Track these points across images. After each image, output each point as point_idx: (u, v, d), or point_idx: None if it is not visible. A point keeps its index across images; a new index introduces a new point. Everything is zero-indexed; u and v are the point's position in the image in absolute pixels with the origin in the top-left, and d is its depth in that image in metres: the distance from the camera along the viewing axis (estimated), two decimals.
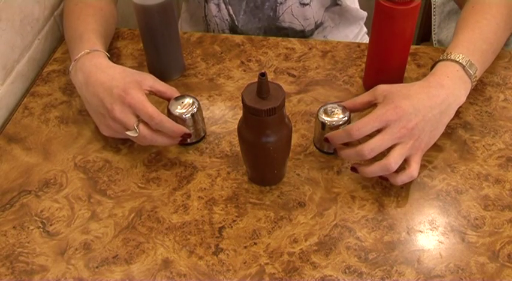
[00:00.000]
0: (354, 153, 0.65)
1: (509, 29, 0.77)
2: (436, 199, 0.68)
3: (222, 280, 0.61)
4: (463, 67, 0.69)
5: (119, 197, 0.70)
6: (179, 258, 0.63)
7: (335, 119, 0.69)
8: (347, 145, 0.68)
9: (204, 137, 0.76)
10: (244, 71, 0.87)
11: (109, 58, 0.75)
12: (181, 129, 0.70)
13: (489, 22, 0.74)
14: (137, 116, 0.69)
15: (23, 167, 0.74)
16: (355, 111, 0.71)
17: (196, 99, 0.73)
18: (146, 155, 0.75)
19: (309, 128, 0.77)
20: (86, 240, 0.65)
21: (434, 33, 1.18)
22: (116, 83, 0.69)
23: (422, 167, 0.71)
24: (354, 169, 0.68)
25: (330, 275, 0.61)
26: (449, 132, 0.76)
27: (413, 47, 0.87)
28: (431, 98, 0.66)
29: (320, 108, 0.71)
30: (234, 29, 0.99)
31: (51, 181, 0.72)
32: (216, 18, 0.98)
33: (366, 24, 1.11)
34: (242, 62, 0.88)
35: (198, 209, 0.68)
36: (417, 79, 0.83)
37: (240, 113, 0.79)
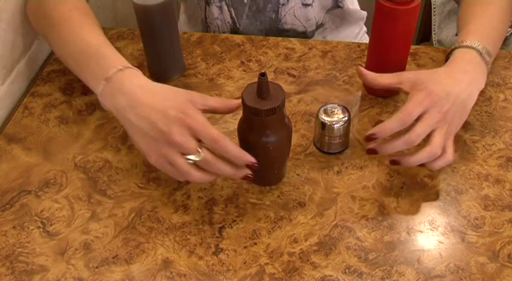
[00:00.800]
0: (403, 142, 0.65)
1: (510, 18, 0.80)
2: (436, 199, 0.68)
3: (222, 280, 0.61)
4: (480, 54, 0.71)
5: (119, 197, 0.70)
6: (179, 258, 0.63)
7: (335, 119, 0.69)
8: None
9: None
10: (244, 71, 0.87)
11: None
12: (246, 155, 0.62)
13: (494, 12, 0.77)
14: (197, 140, 0.62)
15: (23, 167, 0.74)
16: (372, 85, 0.72)
17: None
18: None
19: (309, 128, 0.77)
20: (86, 240, 0.65)
21: (434, 33, 1.18)
22: (170, 104, 0.62)
23: (423, 167, 0.71)
24: (394, 162, 0.67)
25: (330, 275, 0.61)
26: None
27: (413, 47, 0.87)
28: (457, 83, 0.68)
29: (320, 108, 0.71)
30: (235, 31, 0.99)
31: (51, 181, 0.72)
32: (218, 21, 0.98)
33: (366, 24, 1.11)
34: (242, 62, 0.88)
35: (198, 209, 0.68)
36: None
37: (240, 113, 0.79)
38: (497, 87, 0.82)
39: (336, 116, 0.70)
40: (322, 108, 0.71)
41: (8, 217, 0.68)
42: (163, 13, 0.77)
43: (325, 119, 0.70)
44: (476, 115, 0.78)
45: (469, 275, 0.61)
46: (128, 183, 0.71)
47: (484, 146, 0.74)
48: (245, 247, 0.64)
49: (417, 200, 0.68)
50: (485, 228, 0.65)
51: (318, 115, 0.70)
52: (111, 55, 0.70)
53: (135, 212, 0.68)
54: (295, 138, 0.76)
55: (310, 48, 0.90)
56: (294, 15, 0.96)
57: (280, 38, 0.92)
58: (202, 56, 0.90)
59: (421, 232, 0.65)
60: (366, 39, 1.11)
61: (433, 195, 0.69)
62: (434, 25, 1.18)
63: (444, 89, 0.66)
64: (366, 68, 0.81)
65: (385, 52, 0.76)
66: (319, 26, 1.00)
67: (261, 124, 0.61)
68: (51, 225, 0.67)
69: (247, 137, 0.63)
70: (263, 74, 0.57)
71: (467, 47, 0.71)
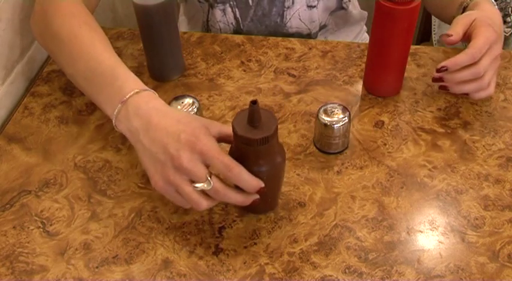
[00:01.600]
0: (470, 73, 0.73)
1: None
2: (436, 199, 0.68)
3: (222, 280, 0.61)
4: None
5: (119, 197, 0.70)
6: (179, 258, 0.63)
7: (335, 119, 0.69)
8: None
9: None
10: (244, 71, 0.87)
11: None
12: (259, 183, 0.59)
13: None
14: (207, 167, 0.59)
15: (23, 167, 0.74)
16: (454, 43, 0.75)
17: (197, 99, 0.73)
18: None
19: (309, 128, 0.77)
20: (86, 240, 0.65)
21: (434, 33, 1.18)
22: (183, 128, 0.59)
23: (423, 167, 0.71)
24: (436, 80, 0.75)
25: (330, 275, 0.61)
26: (449, 132, 0.76)
27: (413, 47, 0.87)
28: (498, 19, 0.78)
29: (320, 108, 0.71)
30: (238, 33, 0.99)
31: (51, 181, 0.72)
32: (220, 23, 0.98)
33: (366, 24, 1.11)
34: (242, 62, 0.88)
35: None
36: (417, 79, 0.83)
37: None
38: (497, 87, 0.82)
39: (336, 116, 0.70)
40: (322, 108, 0.71)
41: (8, 217, 0.68)
42: (163, 13, 0.77)
43: (325, 119, 0.69)
44: (476, 115, 0.78)
45: (469, 275, 0.61)
46: (127, 183, 0.71)
47: (484, 146, 0.74)
48: (245, 247, 0.64)
49: (417, 200, 0.68)
50: (485, 228, 0.65)
51: (318, 115, 0.70)
52: (127, 77, 0.67)
53: (135, 212, 0.68)
54: (295, 139, 0.76)
55: (310, 48, 0.90)
56: (299, 18, 0.96)
57: (280, 38, 0.92)
58: (202, 56, 0.90)
59: (421, 232, 0.65)
60: (366, 38, 1.11)
61: (433, 195, 0.69)
62: (434, 25, 1.18)
63: (498, 28, 0.75)
64: (366, 68, 0.82)
65: (385, 52, 0.76)
66: (322, 27, 1.00)
67: (253, 154, 0.57)
68: (51, 225, 0.67)
69: None
70: (254, 102, 0.54)
71: None
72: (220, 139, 0.62)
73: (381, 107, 0.80)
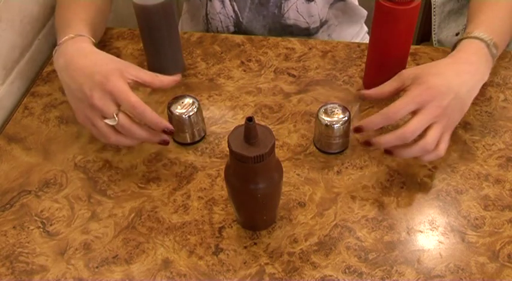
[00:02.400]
0: (395, 137, 0.64)
1: None
2: (436, 199, 0.68)
3: (222, 280, 0.61)
4: (487, 45, 0.69)
5: (119, 197, 0.70)
6: (179, 258, 0.63)
7: (335, 119, 0.69)
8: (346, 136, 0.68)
9: (204, 137, 0.76)
10: (244, 71, 0.87)
11: (94, 44, 0.74)
12: (163, 122, 0.66)
13: (504, 6, 0.75)
14: (117, 105, 0.66)
15: (23, 167, 0.74)
16: (382, 99, 0.71)
17: (197, 99, 0.73)
18: (146, 155, 0.75)
19: (309, 128, 0.77)
20: (86, 240, 0.65)
21: (434, 33, 1.18)
22: (98, 69, 0.66)
23: (423, 167, 0.71)
24: (388, 152, 0.67)
25: (330, 275, 0.61)
26: None
27: (413, 47, 0.87)
28: (460, 74, 0.66)
29: (320, 108, 0.71)
30: (238, 26, 0.99)
31: (51, 181, 0.72)
32: (220, 15, 0.98)
33: (366, 24, 1.11)
34: (242, 62, 0.88)
35: (198, 209, 0.68)
36: None
37: (240, 113, 0.80)
38: (497, 87, 0.82)
39: (336, 116, 0.70)
40: (322, 108, 0.71)
41: (8, 217, 0.68)
42: (163, 13, 0.77)
43: (325, 119, 0.69)
44: (476, 115, 0.78)
45: (469, 275, 0.61)
46: (128, 183, 0.71)
47: (484, 146, 0.74)
48: (245, 247, 0.64)
49: (417, 200, 0.68)
50: (485, 228, 0.65)
51: (318, 115, 0.70)
52: (76, 27, 0.75)
53: (135, 212, 0.68)
54: (295, 139, 0.76)
55: (310, 48, 0.90)
56: (297, 11, 0.96)
57: (280, 38, 0.92)
58: (202, 56, 0.90)
59: (421, 232, 0.65)
60: (366, 39, 1.11)
61: (433, 195, 0.69)
62: (434, 25, 1.18)
63: (446, 82, 0.65)
64: (366, 68, 0.82)
65: (385, 52, 0.76)
66: (324, 23, 1.00)
67: (249, 171, 0.56)
68: (51, 225, 0.67)
69: (234, 183, 0.59)
70: (250, 119, 0.52)
71: (475, 37, 0.70)
72: (137, 83, 0.68)
73: (380, 107, 0.79)
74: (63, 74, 0.70)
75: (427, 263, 0.62)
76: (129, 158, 0.74)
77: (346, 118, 0.69)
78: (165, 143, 0.68)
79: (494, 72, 0.84)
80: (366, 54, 0.84)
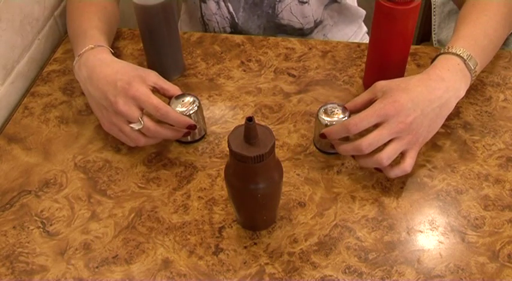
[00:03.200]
0: (352, 148, 0.65)
1: (508, 27, 0.77)
2: (436, 199, 0.68)
3: (222, 280, 0.61)
4: (464, 61, 0.69)
5: (119, 197, 0.70)
6: (179, 258, 0.63)
7: (335, 119, 0.69)
8: (347, 139, 0.68)
9: (204, 136, 0.76)
10: (244, 71, 0.87)
11: (113, 54, 0.76)
12: (186, 120, 0.69)
13: (489, 19, 0.74)
14: (141, 109, 0.68)
15: (23, 167, 0.74)
16: (358, 112, 0.71)
17: (197, 98, 0.73)
18: (146, 155, 0.75)
19: (309, 128, 0.77)
20: (86, 240, 0.65)
21: (434, 33, 1.18)
22: (120, 76, 0.69)
23: (423, 167, 0.71)
24: (353, 157, 0.69)
25: (330, 275, 0.61)
26: (449, 132, 0.76)
27: (413, 47, 0.87)
28: (430, 91, 0.65)
29: (320, 108, 0.71)
30: (234, 26, 0.99)
31: (51, 181, 0.72)
32: (216, 16, 0.98)
33: (366, 23, 1.11)
34: (242, 62, 0.88)
35: (198, 209, 0.68)
36: None
37: (240, 113, 0.80)
38: (497, 87, 0.82)
39: (336, 116, 0.69)
40: (322, 108, 0.71)
41: (8, 217, 0.68)
42: (163, 13, 0.77)
43: (325, 119, 0.69)
44: (476, 115, 0.78)
45: (469, 275, 0.61)
46: (128, 183, 0.71)
47: (484, 146, 0.74)
48: (245, 247, 0.64)
49: (417, 200, 0.68)
50: (485, 228, 0.65)
51: (318, 115, 0.70)
52: (93, 36, 0.77)
53: (135, 212, 0.68)
54: (295, 139, 0.76)
55: (310, 48, 0.90)
56: (291, 12, 0.96)
57: (280, 38, 0.92)
58: (202, 56, 0.90)
59: (421, 232, 0.65)
60: (366, 39, 1.11)
61: (433, 195, 0.69)
62: (434, 25, 1.18)
63: (412, 98, 0.64)
64: (366, 68, 0.82)
65: (385, 52, 0.76)
66: (318, 23, 1.00)
67: (249, 171, 0.56)
68: (51, 225, 0.67)
69: (233, 183, 0.59)
70: (250, 119, 0.52)
71: (451, 53, 0.69)
72: (156, 89, 0.72)
73: None
74: (87, 84, 0.72)
75: (427, 263, 0.62)
76: (129, 158, 0.74)
77: (345, 118, 0.69)
78: (192, 129, 0.71)
79: (494, 72, 0.84)
80: (366, 54, 0.84)
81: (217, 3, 0.96)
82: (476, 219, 0.66)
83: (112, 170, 0.73)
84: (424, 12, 1.29)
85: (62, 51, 0.93)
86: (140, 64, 0.88)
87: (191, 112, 0.71)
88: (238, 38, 0.93)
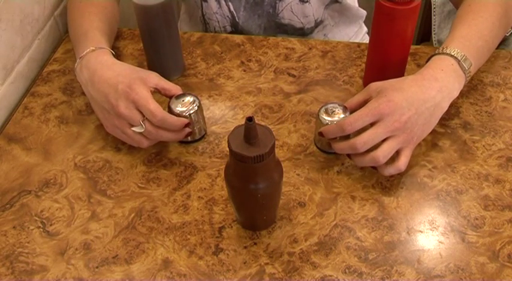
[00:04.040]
0: (347, 146, 0.66)
1: (504, 28, 0.77)
2: (436, 199, 0.68)
3: (222, 280, 0.61)
4: (458, 61, 0.69)
5: (119, 197, 0.70)
6: (179, 258, 0.63)
7: (336, 118, 0.69)
8: (347, 138, 0.68)
9: (204, 135, 0.76)
10: (244, 71, 0.87)
11: (114, 55, 0.76)
12: (182, 121, 0.69)
13: (485, 20, 0.74)
14: (142, 113, 0.68)
15: (23, 167, 0.74)
16: (351, 110, 0.71)
17: (197, 98, 0.73)
18: (146, 155, 0.75)
19: (309, 128, 0.77)
20: (86, 240, 0.65)
21: (434, 33, 1.18)
22: (122, 79, 0.69)
23: (423, 167, 0.71)
24: (348, 156, 0.69)
25: (330, 275, 0.61)
26: (449, 132, 0.76)
27: (413, 47, 0.87)
28: (424, 91, 0.66)
29: (321, 108, 0.71)
30: (235, 26, 0.99)
31: (51, 181, 0.72)
32: (217, 15, 0.98)
33: (366, 24, 1.11)
34: (242, 62, 0.88)
35: (198, 209, 0.68)
36: None
37: (240, 113, 0.80)
38: (497, 87, 0.82)
39: (337, 115, 0.69)
40: (323, 108, 0.70)
41: (8, 217, 0.68)
42: (163, 13, 0.77)
43: (326, 118, 0.69)
44: (476, 115, 0.78)
45: (469, 275, 0.61)
46: (128, 183, 0.71)
47: (484, 146, 0.74)
48: (245, 247, 0.64)
49: (417, 200, 0.68)
50: (485, 228, 0.65)
51: (318, 115, 0.70)
52: (94, 38, 0.77)
53: (135, 212, 0.68)
54: (295, 139, 0.76)
55: (310, 48, 0.90)
56: (292, 11, 0.96)
57: (280, 38, 0.92)
58: (202, 56, 0.90)
59: (421, 232, 0.65)
60: (366, 39, 1.11)
61: (433, 195, 0.69)
62: (434, 25, 1.18)
63: (406, 98, 0.65)
64: (366, 68, 0.82)
65: (385, 52, 0.76)
66: (319, 23, 1.00)
67: (249, 171, 0.56)
68: (51, 225, 0.67)
69: (233, 183, 0.59)
70: (250, 119, 0.52)
71: (445, 54, 0.70)
72: (158, 90, 0.72)
73: None
74: (89, 87, 0.72)
75: (427, 263, 0.62)
76: (129, 158, 0.74)
77: None
78: (189, 134, 0.73)
79: (494, 72, 0.84)
80: (366, 54, 0.84)
81: (218, 2, 0.96)
82: (476, 219, 0.66)
83: (112, 170, 0.73)
84: (424, 12, 1.29)
85: (62, 51, 0.92)
86: (140, 64, 0.88)
87: (191, 112, 0.71)
88: (238, 38, 0.93)
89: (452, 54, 0.69)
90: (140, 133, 0.69)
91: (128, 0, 0.79)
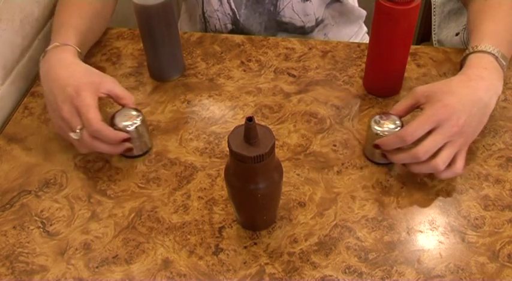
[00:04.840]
0: (409, 157, 0.65)
1: None
2: (436, 199, 0.68)
3: (222, 280, 0.61)
4: (496, 58, 0.69)
5: (119, 197, 0.70)
6: (179, 258, 0.63)
7: (386, 128, 0.68)
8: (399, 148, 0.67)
9: (149, 151, 0.75)
10: (244, 71, 0.87)
11: (80, 55, 0.75)
12: (119, 136, 0.68)
13: (507, 14, 0.74)
14: None
15: (23, 167, 0.74)
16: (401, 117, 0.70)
17: (140, 111, 0.71)
18: (146, 155, 0.74)
19: (308, 128, 0.77)
20: (86, 240, 0.65)
21: (434, 33, 1.18)
22: (72, 82, 0.68)
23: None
24: (404, 164, 0.68)
25: (330, 275, 0.61)
26: None
27: (413, 47, 0.87)
28: (474, 92, 0.66)
29: (370, 120, 0.69)
30: (236, 23, 0.99)
31: (51, 181, 0.72)
32: (218, 13, 0.98)
33: (366, 24, 1.11)
34: (242, 62, 0.88)
35: (198, 209, 0.68)
36: (417, 79, 0.83)
37: (240, 113, 0.80)
38: None
39: (386, 125, 0.68)
40: (373, 120, 0.68)
41: (8, 217, 0.68)
42: (163, 13, 0.77)
43: (378, 129, 0.68)
44: None
45: (469, 275, 0.61)
46: (128, 183, 0.71)
47: (484, 146, 0.74)
48: (245, 247, 0.64)
49: (417, 200, 0.68)
50: (485, 228, 0.65)
51: (370, 127, 0.68)
52: (65, 34, 0.77)
53: (135, 212, 0.68)
54: (295, 138, 0.76)
55: (310, 48, 0.90)
56: (293, 10, 0.96)
57: (280, 38, 0.92)
58: (202, 56, 0.90)
59: (421, 232, 0.65)
60: (366, 39, 1.11)
61: (433, 195, 0.69)
62: (434, 25, 1.18)
63: (459, 100, 0.64)
64: (366, 68, 0.82)
65: (385, 52, 0.76)
66: (319, 22, 1.00)
67: (249, 171, 0.56)
68: (51, 225, 0.67)
69: (233, 183, 0.59)
70: (250, 119, 0.52)
71: (483, 51, 0.69)
72: (111, 97, 0.72)
73: (380, 107, 0.80)
74: (44, 82, 0.72)
75: (427, 263, 0.62)
76: (129, 158, 0.74)
77: (398, 127, 0.67)
78: (129, 150, 0.71)
79: None
80: (366, 54, 0.84)
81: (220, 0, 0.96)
82: (476, 219, 0.66)
83: (112, 170, 0.73)
84: (424, 12, 1.28)
85: None
86: (140, 64, 0.88)
87: (132, 127, 0.70)
88: (238, 38, 0.93)
89: (490, 51, 0.69)
90: (76, 143, 0.69)
91: (128, 0, 0.79)
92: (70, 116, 0.67)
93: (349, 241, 0.64)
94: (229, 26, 1.00)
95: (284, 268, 0.62)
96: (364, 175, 0.71)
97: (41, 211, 0.69)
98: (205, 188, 0.70)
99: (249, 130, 0.54)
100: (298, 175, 0.71)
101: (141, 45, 0.85)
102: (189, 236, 0.65)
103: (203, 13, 1.00)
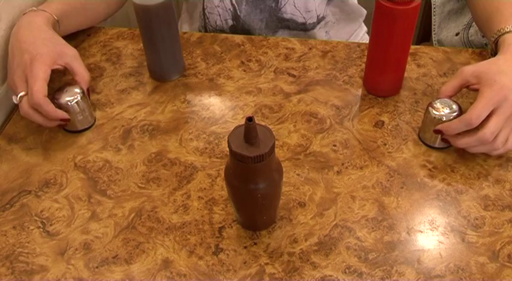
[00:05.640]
0: (476, 140, 0.66)
1: None
2: (436, 199, 0.68)
3: (222, 280, 0.61)
4: None
5: (119, 197, 0.70)
6: (179, 258, 0.63)
7: (443, 113, 0.70)
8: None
9: (93, 124, 0.78)
10: (244, 71, 0.87)
11: (56, 23, 0.78)
12: (58, 114, 0.71)
13: None
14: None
15: (23, 167, 0.74)
16: (446, 97, 0.72)
17: (81, 88, 0.75)
18: (146, 155, 0.75)
19: (308, 128, 0.77)
20: (86, 240, 0.65)
21: (434, 33, 1.18)
22: (32, 49, 0.71)
23: (423, 167, 0.71)
24: (445, 140, 0.70)
25: (330, 275, 0.61)
26: None
27: (413, 47, 0.87)
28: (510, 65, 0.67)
29: (427, 107, 0.71)
30: (237, 19, 0.99)
31: (51, 181, 0.72)
32: (219, 8, 0.98)
33: (366, 23, 1.11)
34: (242, 62, 0.88)
35: (198, 209, 0.68)
36: (417, 79, 0.84)
37: (240, 113, 0.80)
38: None
39: (442, 110, 0.70)
40: (430, 107, 0.71)
41: (8, 217, 0.68)
42: (163, 13, 0.77)
43: (436, 113, 0.70)
44: None
45: (469, 275, 0.61)
46: (128, 183, 0.71)
47: None
48: (245, 247, 0.64)
49: (417, 200, 0.68)
50: (485, 228, 0.65)
51: (429, 112, 0.70)
52: (50, 2, 0.81)
53: (135, 212, 0.68)
54: (295, 138, 0.76)
55: (310, 48, 0.90)
56: (294, 6, 0.96)
57: (280, 38, 0.92)
58: (202, 56, 0.90)
59: (421, 232, 0.65)
60: (366, 39, 1.11)
61: (433, 195, 0.69)
62: (434, 25, 1.18)
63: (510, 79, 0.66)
64: (366, 68, 0.82)
65: (385, 52, 0.76)
66: (321, 19, 1.00)
67: (249, 171, 0.56)
68: (51, 225, 0.67)
69: (234, 183, 0.59)
70: (250, 119, 0.52)
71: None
72: (68, 71, 0.75)
73: (381, 107, 0.80)
74: (11, 40, 0.75)
75: (427, 263, 0.62)
76: (129, 158, 0.74)
77: (455, 112, 0.70)
78: (62, 126, 0.75)
79: None
80: (366, 54, 0.84)
81: None
82: (476, 219, 0.66)
83: (112, 170, 0.73)
84: (424, 12, 1.28)
85: None
86: (140, 64, 0.88)
87: (72, 103, 0.74)
88: (238, 38, 0.93)
89: None
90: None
91: (128, 0, 0.79)
92: (19, 80, 0.71)
93: (349, 241, 0.64)
94: (230, 22, 1.00)
95: (284, 268, 0.62)
96: (364, 175, 0.71)
97: (41, 211, 0.69)
98: (205, 188, 0.70)
99: (249, 130, 0.54)
100: (298, 175, 0.71)
101: (141, 45, 0.85)
102: (189, 236, 0.65)
103: (203, 9, 1.00)
